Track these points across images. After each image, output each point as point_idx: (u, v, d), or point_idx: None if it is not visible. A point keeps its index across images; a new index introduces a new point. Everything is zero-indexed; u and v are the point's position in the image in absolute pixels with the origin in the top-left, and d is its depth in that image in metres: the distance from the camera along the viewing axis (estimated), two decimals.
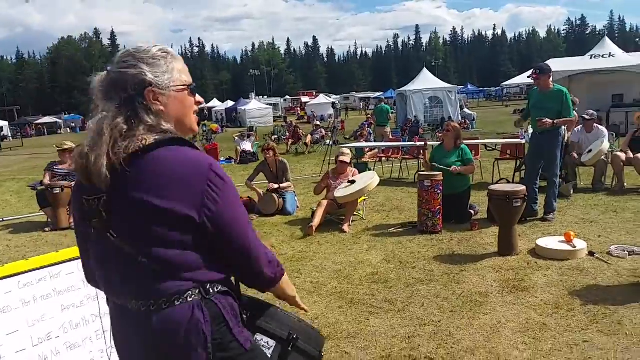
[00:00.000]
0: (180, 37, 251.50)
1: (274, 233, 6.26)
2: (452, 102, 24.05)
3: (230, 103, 49.05)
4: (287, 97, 67.15)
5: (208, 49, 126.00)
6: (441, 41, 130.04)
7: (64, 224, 6.98)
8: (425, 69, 26.47)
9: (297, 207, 7.54)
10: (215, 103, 55.89)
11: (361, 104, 56.81)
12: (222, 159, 15.57)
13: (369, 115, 22.38)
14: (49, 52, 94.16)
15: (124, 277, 1.27)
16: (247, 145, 15.51)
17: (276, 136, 20.42)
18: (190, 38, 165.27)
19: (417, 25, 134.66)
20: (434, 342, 3.24)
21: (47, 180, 7.20)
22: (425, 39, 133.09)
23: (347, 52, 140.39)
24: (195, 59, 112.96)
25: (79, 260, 2.73)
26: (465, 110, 25.92)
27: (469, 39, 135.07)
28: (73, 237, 5.66)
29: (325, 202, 6.47)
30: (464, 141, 6.77)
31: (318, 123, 22.12)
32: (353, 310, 3.82)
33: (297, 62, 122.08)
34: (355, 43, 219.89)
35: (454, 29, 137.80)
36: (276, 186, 7.42)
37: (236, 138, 16.53)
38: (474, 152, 8.28)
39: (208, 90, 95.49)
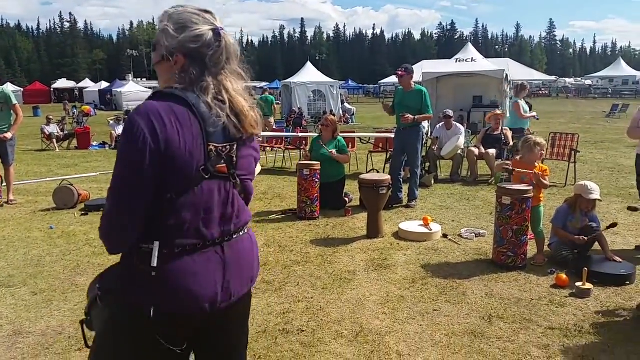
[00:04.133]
0: (49, 11, 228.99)
1: None
2: (334, 96, 24.96)
3: (104, 84, 45.87)
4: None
5: (81, 25, 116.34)
6: (325, 36, 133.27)
7: None
8: (309, 63, 27.11)
9: None
10: (87, 83, 52.03)
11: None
12: (94, 143, 14.70)
13: None
14: None
15: (238, 211, 1.57)
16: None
17: None
18: (61, 12, 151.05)
19: (302, 19, 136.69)
20: (306, 316, 3.53)
21: None
22: (310, 32, 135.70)
23: (233, 38, 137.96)
24: (65, 35, 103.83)
25: None
26: (346, 104, 27.00)
27: (351, 36, 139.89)
28: None
29: None
30: (342, 134, 7.22)
31: None
32: None
33: None
34: (242, 31, 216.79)
35: (337, 25, 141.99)
36: None
37: (111, 122, 15.68)
38: (350, 145, 8.83)
39: (80, 70, 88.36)
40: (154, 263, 1.40)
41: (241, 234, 1.59)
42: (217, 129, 1.46)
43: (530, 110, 9.44)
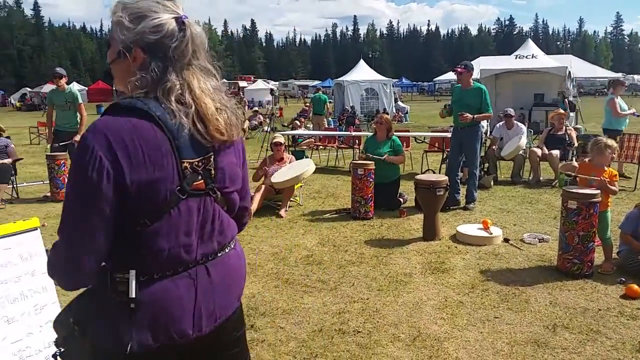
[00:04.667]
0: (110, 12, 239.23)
1: None
2: (387, 94, 24.67)
3: None
4: (225, 80, 65.75)
5: None
6: (378, 33, 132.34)
7: None
8: (362, 61, 26.92)
9: None
10: None
11: (299, 91, 56.90)
12: None
13: (307, 105, 22.57)
14: None
15: (222, 227, 1.41)
16: None
17: None
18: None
19: (355, 16, 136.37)
20: (362, 317, 3.50)
21: None
22: (362, 30, 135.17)
23: (286, 37, 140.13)
24: None
25: (17, 236, 2.76)
26: (399, 103, 26.69)
27: (405, 33, 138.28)
28: (0, 216, 5.32)
29: (263, 187, 6.60)
30: (396, 133, 7.13)
31: (257, 109, 22.04)
32: (288, 289, 4.02)
33: (234, 45, 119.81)
34: (294, 29, 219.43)
35: (391, 22, 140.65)
36: None
37: None
38: (404, 144, 8.70)
39: None
40: (132, 294, 1.24)
41: (227, 250, 1.44)
42: (185, 142, 1.27)
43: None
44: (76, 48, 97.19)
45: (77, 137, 7.37)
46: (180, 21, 1.31)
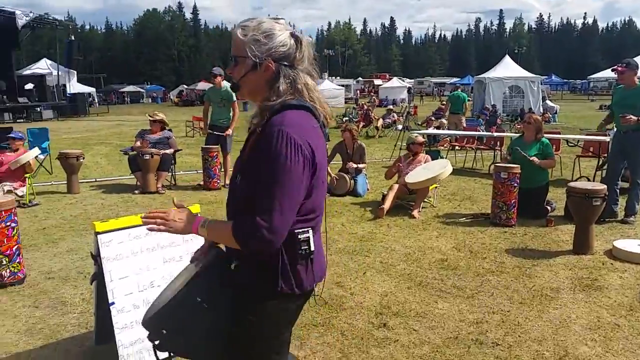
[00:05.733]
0: (259, 14, 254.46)
1: (344, 213, 6.45)
2: (534, 92, 22.99)
3: None
4: (360, 78, 66.74)
5: None
6: (526, 28, 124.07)
7: (152, 187, 7.52)
8: (507, 56, 25.43)
9: (368, 189, 7.69)
10: None
11: (436, 89, 55.53)
12: None
13: (443, 103, 21.90)
14: (135, 23, 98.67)
15: None
16: None
17: (347, 118, 20.52)
18: (269, 15, 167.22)
19: (501, 10, 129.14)
20: (502, 330, 3.32)
21: (138, 147, 7.75)
22: (509, 24, 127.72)
23: (425, 34, 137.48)
24: None
25: None
26: (548, 102, 24.73)
27: (556, 26, 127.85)
28: (161, 200, 6.14)
29: (396, 187, 6.55)
30: (545, 135, 6.61)
31: (391, 107, 21.98)
32: (421, 292, 3.95)
33: (372, 43, 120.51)
34: (434, 25, 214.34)
35: (541, 15, 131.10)
36: (355, 165, 7.55)
37: None
38: (554, 147, 8.02)
39: None
40: (312, 247, 1.60)
41: None
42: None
43: None
44: (227, 48, 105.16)
45: (229, 131, 7.98)
46: (295, 35, 1.62)
